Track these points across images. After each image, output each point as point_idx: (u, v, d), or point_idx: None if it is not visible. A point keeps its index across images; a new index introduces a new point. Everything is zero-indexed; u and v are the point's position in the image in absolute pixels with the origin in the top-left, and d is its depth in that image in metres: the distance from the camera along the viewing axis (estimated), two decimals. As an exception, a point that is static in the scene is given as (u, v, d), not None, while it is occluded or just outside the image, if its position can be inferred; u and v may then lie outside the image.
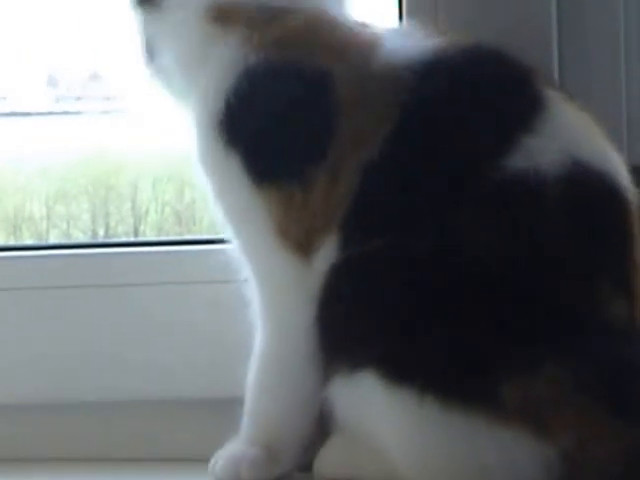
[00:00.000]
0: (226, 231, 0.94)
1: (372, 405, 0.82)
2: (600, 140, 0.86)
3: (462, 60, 0.86)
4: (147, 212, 1.34)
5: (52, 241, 1.39)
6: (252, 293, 0.93)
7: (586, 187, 0.83)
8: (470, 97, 0.85)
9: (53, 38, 1.31)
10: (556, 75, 1.03)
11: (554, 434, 0.78)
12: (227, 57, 0.90)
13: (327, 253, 0.86)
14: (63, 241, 1.38)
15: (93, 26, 1.28)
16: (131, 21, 1.00)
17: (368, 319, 0.83)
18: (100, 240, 1.36)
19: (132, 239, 1.34)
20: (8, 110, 1.39)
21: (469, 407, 0.79)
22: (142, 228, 1.35)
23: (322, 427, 0.92)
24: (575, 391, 0.78)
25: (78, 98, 1.39)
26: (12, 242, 1.37)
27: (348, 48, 0.89)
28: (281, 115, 0.88)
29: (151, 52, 0.98)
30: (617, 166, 0.86)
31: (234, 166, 0.89)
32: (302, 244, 0.87)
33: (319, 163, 0.86)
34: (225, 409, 0.95)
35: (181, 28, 0.93)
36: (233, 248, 0.94)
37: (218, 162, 0.90)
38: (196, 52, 0.92)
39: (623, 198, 0.84)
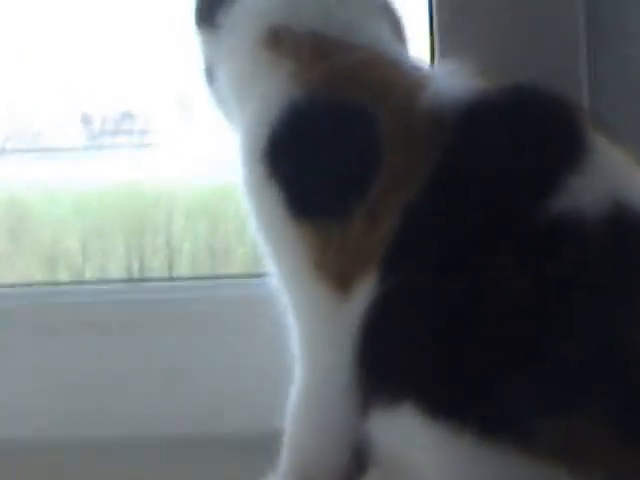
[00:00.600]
0: (266, 259, 0.94)
1: (410, 439, 0.82)
2: None
3: (507, 100, 0.86)
4: (181, 246, 1.35)
5: (88, 276, 1.40)
6: (291, 324, 0.93)
7: (629, 230, 0.82)
8: (514, 137, 0.85)
9: (87, 75, 1.32)
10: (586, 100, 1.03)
11: (588, 472, 0.77)
12: (274, 88, 0.90)
13: (365, 292, 0.86)
14: (99, 276, 1.39)
15: (125, 63, 1.30)
16: (194, 40, 1.02)
17: (407, 353, 0.82)
18: (135, 276, 1.37)
19: (167, 274, 1.35)
20: (43, 146, 1.41)
21: (506, 444, 0.78)
22: (177, 261, 1.35)
23: (359, 462, 0.92)
24: (609, 429, 0.78)
25: (112, 134, 1.41)
26: (48, 276, 1.38)
27: (395, 88, 0.89)
28: (322, 152, 0.88)
29: (211, 73, 1.00)
30: None
31: (274, 197, 0.89)
32: (339, 281, 0.87)
33: (359, 202, 0.86)
34: (263, 444, 0.95)
35: (236, 51, 0.95)
36: (272, 278, 0.94)
37: (259, 190, 0.91)
38: (247, 77, 0.94)
39: None
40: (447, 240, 0.83)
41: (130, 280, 1.30)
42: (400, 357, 0.82)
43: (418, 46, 1.07)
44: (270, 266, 0.94)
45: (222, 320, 1.11)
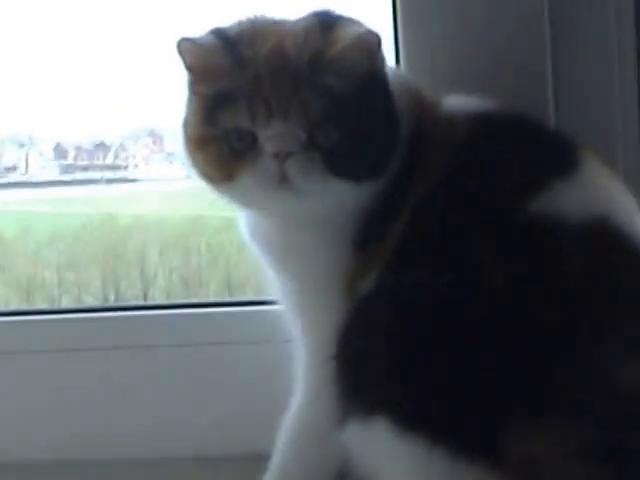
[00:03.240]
0: (278, 292, 0.94)
1: (383, 452, 0.83)
2: (628, 205, 0.88)
3: (509, 117, 0.91)
4: (155, 277, 1.36)
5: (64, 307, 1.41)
6: (296, 352, 0.94)
7: (608, 243, 0.84)
8: (513, 146, 0.88)
9: (60, 109, 1.33)
10: (552, 118, 1.05)
11: None
12: None
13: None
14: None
15: (99, 95, 1.31)
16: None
17: (381, 364, 0.83)
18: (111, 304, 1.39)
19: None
20: (18, 180, 1.42)
21: (475, 460, 0.79)
22: (151, 292, 1.37)
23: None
24: (579, 454, 0.78)
25: (85, 168, 1.42)
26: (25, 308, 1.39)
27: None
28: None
29: None
30: None
31: (345, 231, 0.90)
32: (354, 292, 0.89)
33: (397, 218, 0.88)
34: (244, 467, 0.96)
35: None
36: (282, 308, 0.95)
37: (331, 227, 0.90)
38: None
39: None
40: (438, 236, 0.85)
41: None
42: (375, 368, 0.83)
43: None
44: (287, 294, 0.93)
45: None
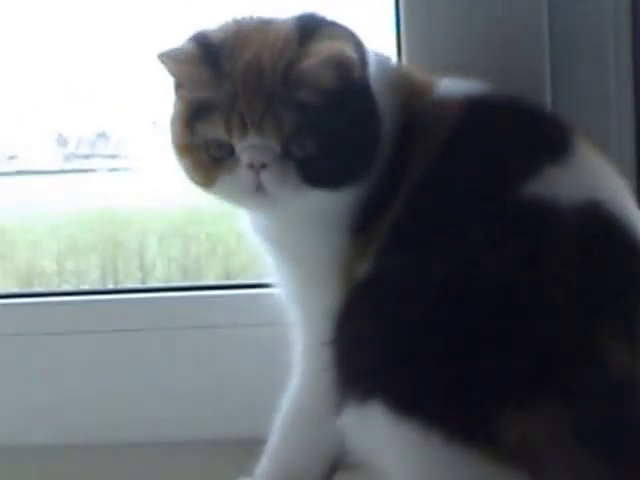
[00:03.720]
0: (278, 279, 0.96)
1: (380, 436, 0.84)
2: (622, 191, 0.89)
3: (503, 100, 0.92)
4: (154, 267, 1.37)
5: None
6: (293, 337, 0.96)
7: (601, 228, 0.85)
8: (506, 129, 0.89)
9: (62, 98, 1.34)
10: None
11: (549, 477, 0.80)
12: None
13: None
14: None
15: (101, 85, 1.32)
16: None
17: (377, 351, 0.84)
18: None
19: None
20: (18, 169, 1.43)
21: (471, 444, 0.80)
22: (150, 282, 1.37)
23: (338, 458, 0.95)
24: (574, 438, 0.79)
25: (86, 157, 1.43)
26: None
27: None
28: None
29: None
30: (634, 218, 0.88)
31: (344, 216, 0.92)
32: (350, 278, 0.90)
33: (393, 201, 0.89)
34: (241, 451, 0.97)
35: None
36: (281, 294, 0.97)
37: (331, 213, 0.92)
38: None
39: (636, 249, 0.86)
40: (433, 220, 0.86)
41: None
42: (370, 354, 0.84)
43: (385, 45, 1.08)
44: (283, 285, 0.96)
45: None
